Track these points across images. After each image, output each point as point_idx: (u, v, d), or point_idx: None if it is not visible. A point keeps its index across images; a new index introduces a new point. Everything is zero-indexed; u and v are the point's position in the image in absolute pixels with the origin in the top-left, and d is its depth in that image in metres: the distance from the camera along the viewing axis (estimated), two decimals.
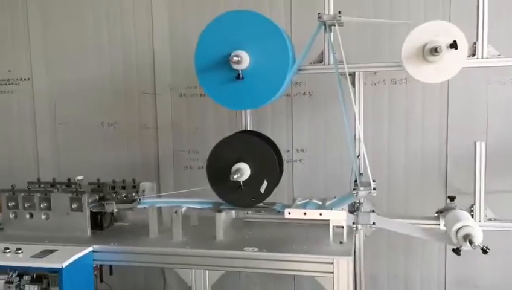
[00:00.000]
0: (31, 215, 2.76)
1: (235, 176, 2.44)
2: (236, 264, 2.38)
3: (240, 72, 2.42)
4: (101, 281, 2.73)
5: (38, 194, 2.74)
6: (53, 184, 2.96)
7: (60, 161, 4.02)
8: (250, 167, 2.52)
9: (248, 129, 2.86)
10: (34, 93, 4.01)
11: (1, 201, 2.79)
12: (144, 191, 2.84)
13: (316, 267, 2.29)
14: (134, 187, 2.82)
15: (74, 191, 2.71)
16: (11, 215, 2.78)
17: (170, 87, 3.79)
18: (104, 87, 3.89)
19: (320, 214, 2.39)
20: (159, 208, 2.73)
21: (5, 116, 4.07)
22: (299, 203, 2.58)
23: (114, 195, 2.81)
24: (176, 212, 2.58)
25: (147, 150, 3.84)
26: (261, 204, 2.60)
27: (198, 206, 2.67)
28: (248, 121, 2.87)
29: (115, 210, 2.69)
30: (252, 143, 2.57)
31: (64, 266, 2.28)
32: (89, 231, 2.71)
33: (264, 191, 2.53)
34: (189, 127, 3.79)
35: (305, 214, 2.41)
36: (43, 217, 2.74)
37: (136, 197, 2.78)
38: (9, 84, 4.05)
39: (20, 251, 2.43)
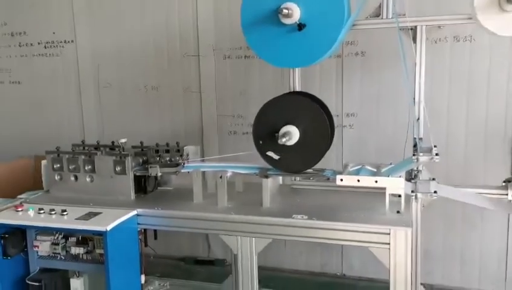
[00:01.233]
0: (76, 178, 2.72)
1: (283, 140, 2.29)
2: (284, 232, 2.26)
3: (299, 22, 2.20)
4: (146, 245, 2.68)
5: (83, 157, 2.70)
6: (97, 146, 2.92)
7: (104, 124, 4.00)
8: (299, 130, 2.36)
9: (297, 90, 2.68)
10: (78, 56, 3.98)
11: (47, 163, 2.77)
12: (187, 155, 2.74)
13: (370, 237, 2.12)
14: (178, 151, 2.73)
15: (118, 154, 2.64)
16: (57, 177, 2.76)
17: (214, 49, 3.64)
18: (147, 50, 3.79)
19: (376, 181, 2.21)
20: (203, 173, 2.63)
21: (50, 80, 4.07)
22: (351, 169, 2.41)
23: (158, 159, 2.73)
24: (220, 177, 2.47)
25: (190, 114, 3.75)
26: (310, 170, 2.44)
27: (244, 171, 2.55)
28: (296, 81, 2.69)
29: (159, 174, 2.61)
30: (302, 104, 2.40)
31: (108, 229, 2.23)
32: (132, 195, 2.65)
33: (314, 156, 2.37)
34: (233, 91, 3.65)
35: (358, 181, 2.24)
36: (88, 179, 2.70)
37: (180, 161, 2.69)
38: (54, 46, 4.02)
39: (65, 213, 2.41)
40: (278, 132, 2.36)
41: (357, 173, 2.33)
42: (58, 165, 2.75)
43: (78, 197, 2.66)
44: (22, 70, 4.16)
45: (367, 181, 2.23)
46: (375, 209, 2.31)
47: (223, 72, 3.66)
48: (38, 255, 2.53)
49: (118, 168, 2.64)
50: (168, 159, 2.74)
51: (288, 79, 2.68)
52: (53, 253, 2.48)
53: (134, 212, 2.44)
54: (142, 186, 2.75)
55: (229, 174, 2.51)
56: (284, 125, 2.37)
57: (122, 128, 3.83)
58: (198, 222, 2.39)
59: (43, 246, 2.48)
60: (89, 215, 2.38)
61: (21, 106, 4.19)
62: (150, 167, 2.61)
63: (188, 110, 3.75)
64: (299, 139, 2.36)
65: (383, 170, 2.37)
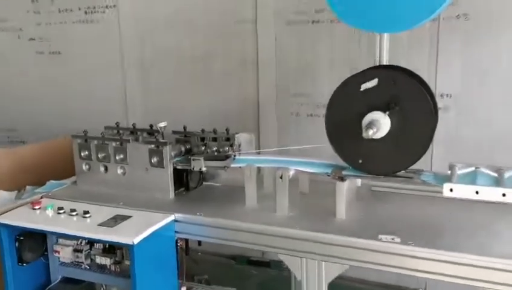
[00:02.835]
0: (106, 169, 2.25)
1: (370, 132, 1.67)
2: (366, 258, 1.66)
3: None
4: (187, 253, 2.19)
5: (113, 144, 2.21)
6: (133, 130, 2.43)
7: (148, 100, 3.51)
8: (390, 118, 1.73)
9: (385, 64, 2.02)
10: (120, 23, 3.49)
11: (74, 149, 2.32)
12: (239, 145, 2.18)
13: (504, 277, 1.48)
14: (227, 140, 2.17)
15: (154, 142, 2.13)
16: (84, 167, 2.30)
17: (274, 13, 3.02)
18: (196, 16, 3.23)
19: (504, 195, 1.55)
20: (259, 169, 2.07)
21: (91, 49, 3.63)
22: (460, 172, 1.75)
23: (203, 148, 2.20)
24: (281, 177, 1.89)
25: (245, 90, 3.17)
26: (402, 172, 1.81)
27: (312, 170, 1.95)
28: (385, 51, 2.02)
29: (203, 168, 2.08)
30: (396, 82, 1.75)
31: (135, 243, 1.73)
32: (171, 192, 2.14)
33: (412, 154, 1.73)
34: (297, 64, 3.03)
35: (477, 192, 1.59)
36: (119, 171, 2.22)
37: (229, 152, 2.14)
38: (95, 12, 3.56)
39: (87, 215, 1.94)
40: (360, 120, 1.74)
41: (472, 179, 1.68)
42: (86, 153, 2.28)
43: (107, 192, 2.19)
44: (62, 39, 3.75)
45: (490, 194, 1.57)
46: (499, 231, 1.66)
47: (285, 41, 3.04)
48: (60, 261, 2.10)
49: (155, 160, 2.14)
50: (215, 149, 2.19)
51: (375, 49, 2.02)
52: (76, 261, 2.04)
53: (172, 217, 1.93)
54: (184, 181, 2.24)
55: (291, 172, 1.93)
56: (369, 112, 1.75)
57: (166, 104, 3.33)
58: (251, 235, 1.83)
59: (64, 252, 2.04)
60: (115, 220, 1.89)
61: (61, 78, 3.80)
62: (193, 160, 2.08)
63: (243, 86, 3.18)
64: (390, 130, 1.73)
65: (507, 175, 1.70)
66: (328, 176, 1.91)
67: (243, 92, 3.15)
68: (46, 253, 2.12)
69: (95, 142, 2.25)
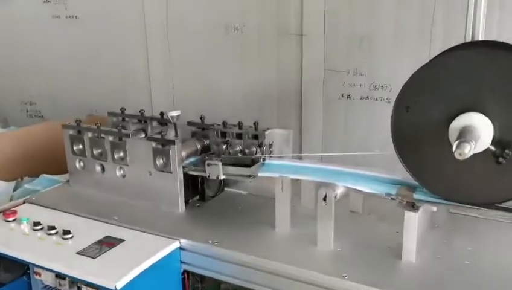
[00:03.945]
0: (103, 169, 1.79)
1: (466, 149, 1.08)
2: None
3: None
4: None
5: (110, 138, 1.73)
6: (142, 119, 1.95)
7: (172, 72, 2.99)
8: (493, 122, 1.14)
9: (481, 40, 1.40)
10: None
11: (65, 142, 1.86)
12: (271, 144, 1.65)
13: None
14: (255, 137, 1.64)
15: (158, 139, 1.63)
16: (78, 165, 1.84)
17: None
18: None
19: None
20: (296, 182, 1.54)
21: (110, 15, 3.14)
22: None
23: (224, 147, 1.68)
24: (325, 198, 1.35)
25: (285, 67, 2.59)
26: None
27: (369, 189, 1.39)
28: (481, 23, 1.40)
29: (221, 177, 1.56)
30: (501, 67, 1.14)
31: (118, 288, 1.26)
32: (181, 205, 1.65)
33: None
34: (350, 35, 2.42)
35: None
36: (118, 173, 1.75)
37: (257, 154, 1.61)
38: None
39: (68, 236, 1.48)
40: (446, 125, 1.16)
41: None
42: (80, 147, 1.82)
43: (102, 198, 1.74)
44: (80, 1, 3.28)
45: None
46: None
47: (336, 8, 2.42)
48: (43, 284, 1.68)
49: (160, 161, 1.64)
50: (239, 149, 1.67)
51: (466, 19, 1.40)
52: (59, 288, 1.61)
53: (176, 244, 1.44)
54: (200, 188, 1.74)
55: (339, 191, 1.38)
56: (460, 113, 1.16)
57: (192, 82, 2.82)
58: (280, 280, 1.32)
59: (46, 276, 1.60)
60: (100, 247, 1.43)
61: (78, 47, 3.35)
62: (209, 165, 1.56)
63: (283, 61, 2.59)
64: (495, 139, 1.14)
65: None
66: (393, 199, 1.35)
67: (283, 67, 2.57)
68: (28, 272, 1.71)
69: (89, 134, 1.78)
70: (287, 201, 1.45)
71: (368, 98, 2.41)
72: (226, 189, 1.81)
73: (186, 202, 1.68)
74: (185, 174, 1.64)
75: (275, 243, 1.43)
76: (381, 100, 2.38)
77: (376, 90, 2.36)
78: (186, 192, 1.67)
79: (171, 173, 1.61)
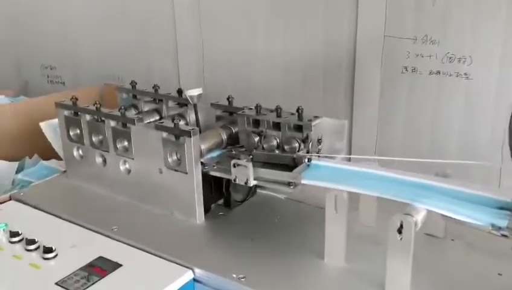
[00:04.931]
0: (104, 161, 1.42)
1: None
2: None
3: None
4: None
5: (112, 123, 1.35)
6: (156, 98, 1.56)
7: (203, 42, 2.58)
8: None
9: None
10: None
11: (59, 125, 1.50)
12: (319, 139, 1.22)
13: None
14: (299, 129, 1.22)
15: (170, 129, 1.23)
16: (76, 153, 1.48)
17: None
18: None
19: None
20: (353, 195, 1.11)
21: None
22: None
23: (257, 140, 1.27)
24: (400, 229, 0.93)
25: (335, 32, 2.13)
26: None
27: (469, 220, 0.96)
28: None
29: (252, 182, 1.16)
30: None
31: None
32: (198, 215, 1.26)
33: None
34: None
35: None
36: (122, 167, 1.37)
37: (301, 150, 1.20)
38: None
39: (50, 256, 1.13)
40: None
41: None
42: (77, 132, 1.46)
43: (103, 196, 1.38)
44: None
45: None
46: None
47: None
48: None
49: (173, 158, 1.25)
50: (276, 143, 1.26)
51: None
52: None
53: (189, 275, 1.07)
54: (224, 191, 1.35)
55: (420, 216, 0.95)
56: None
57: (223, 49, 2.40)
58: None
59: None
60: (88, 276, 1.06)
61: (102, 10, 2.95)
62: (235, 165, 1.16)
63: (331, 24, 2.13)
64: None
65: None
66: (504, 236, 0.91)
67: (331, 32, 2.11)
68: None
69: (87, 117, 1.40)
70: (341, 226, 1.04)
71: (439, 72, 1.94)
72: (258, 191, 1.41)
73: (207, 209, 1.30)
74: (206, 176, 1.25)
75: (323, 282, 1.03)
76: (457, 76, 1.90)
77: (451, 63, 1.88)
78: (206, 195, 1.28)
79: (185, 173, 1.22)
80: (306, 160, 1.17)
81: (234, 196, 1.35)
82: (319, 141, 1.24)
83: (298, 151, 1.21)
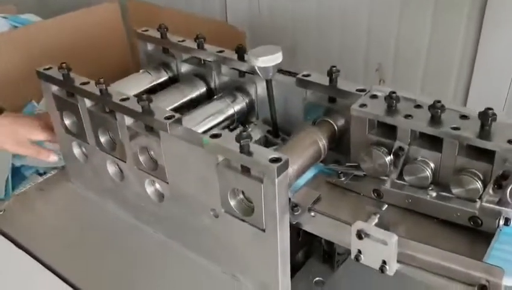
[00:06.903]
0: (121, 173, 0.86)
1: None
2: None
3: None
4: None
5: (128, 120, 0.77)
6: (201, 58, 0.95)
7: None
8: None
9: None
10: None
11: (48, 110, 0.93)
12: (507, 160, 0.62)
13: None
14: (482, 153, 0.62)
15: (235, 154, 0.65)
16: (76, 150, 0.93)
17: None
18: None
19: None
20: None
21: None
22: None
23: (390, 161, 0.68)
24: None
25: None
26: None
27: None
28: None
29: (393, 269, 0.59)
30: None
31: None
32: (282, 283, 0.71)
33: None
34: None
35: None
36: (150, 191, 0.82)
37: (484, 197, 0.60)
38: None
39: None
40: None
41: None
42: (74, 120, 0.89)
43: (116, 240, 0.85)
44: None
45: None
46: None
47: None
48: None
49: (238, 198, 0.68)
50: (429, 173, 0.66)
51: None
52: None
53: None
54: (326, 249, 0.79)
55: None
56: None
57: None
58: None
59: None
60: None
61: None
62: (365, 236, 0.59)
63: None
64: None
65: None
66: None
67: None
68: None
69: (87, 102, 0.82)
70: None
71: None
72: None
73: (295, 269, 0.76)
74: (294, 230, 0.69)
75: None
76: None
77: None
78: (293, 244, 0.73)
79: (262, 230, 0.66)
80: (501, 221, 0.59)
81: (337, 249, 0.79)
82: (506, 162, 0.64)
83: (480, 197, 0.62)
